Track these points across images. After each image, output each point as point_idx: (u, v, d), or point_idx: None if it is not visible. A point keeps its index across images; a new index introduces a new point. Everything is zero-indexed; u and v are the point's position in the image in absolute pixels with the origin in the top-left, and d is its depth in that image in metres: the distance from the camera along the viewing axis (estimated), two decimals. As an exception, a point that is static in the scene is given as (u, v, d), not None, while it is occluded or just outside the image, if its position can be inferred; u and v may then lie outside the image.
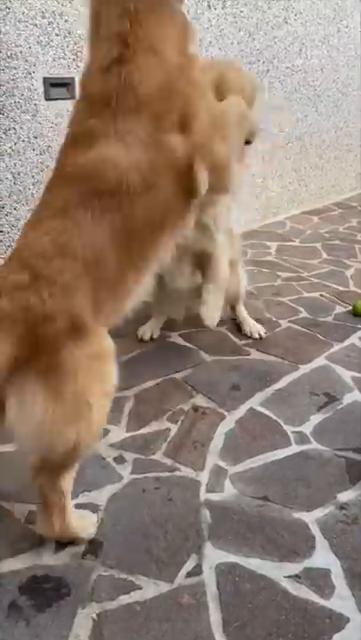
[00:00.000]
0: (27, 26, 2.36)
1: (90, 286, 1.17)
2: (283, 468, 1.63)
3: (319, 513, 1.46)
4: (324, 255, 3.39)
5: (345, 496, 1.52)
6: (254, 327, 2.43)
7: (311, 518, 1.45)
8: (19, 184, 2.54)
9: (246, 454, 1.68)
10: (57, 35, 2.46)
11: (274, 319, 2.57)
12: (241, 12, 3.26)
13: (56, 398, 1.11)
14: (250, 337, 2.39)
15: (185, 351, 2.28)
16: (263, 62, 3.54)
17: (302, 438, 1.76)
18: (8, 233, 2.58)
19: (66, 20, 2.47)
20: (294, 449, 1.72)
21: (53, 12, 2.42)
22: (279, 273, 3.12)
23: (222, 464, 1.64)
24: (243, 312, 2.48)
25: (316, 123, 4.17)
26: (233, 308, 2.46)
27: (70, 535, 1.33)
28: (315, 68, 3.95)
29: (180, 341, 2.36)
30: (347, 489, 1.55)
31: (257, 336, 2.39)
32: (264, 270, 3.16)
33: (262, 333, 2.41)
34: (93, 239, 1.17)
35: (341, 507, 1.49)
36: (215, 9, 3.10)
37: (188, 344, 2.34)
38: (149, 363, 2.18)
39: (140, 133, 1.18)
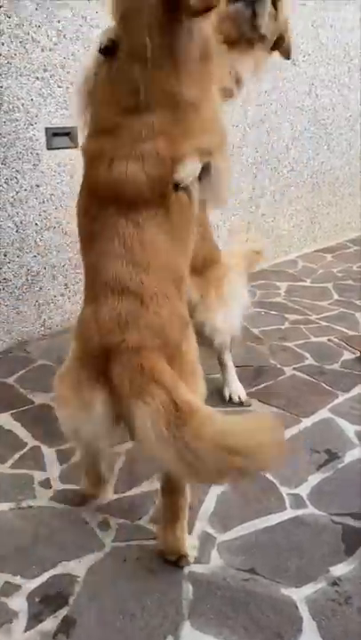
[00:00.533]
0: (28, 79, 2.41)
1: (176, 286, 1.29)
2: (275, 535, 1.55)
3: (309, 589, 1.37)
4: (336, 296, 3.31)
5: (339, 569, 1.43)
6: (235, 388, 2.20)
7: (300, 595, 1.35)
8: (21, 232, 2.56)
9: (237, 520, 1.60)
10: (59, 86, 2.50)
11: (278, 366, 2.49)
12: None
13: None
14: (229, 400, 2.18)
15: (184, 402, 2.22)
16: (272, 103, 3.55)
17: (298, 502, 1.67)
18: (11, 280, 2.59)
19: (68, 72, 2.51)
20: (289, 514, 1.63)
21: (55, 64, 2.47)
22: (287, 315, 3.06)
23: (211, 531, 1.56)
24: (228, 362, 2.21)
25: (329, 160, 4.13)
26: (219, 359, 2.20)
27: (186, 552, 1.42)
28: (325, 107, 3.94)
29: (180, 391, 2.30)
30: (341, 561, 1.45)
31: (236, 399, 2.18)
32: (272, 312, 3.10)
33: (243, 398, 2.19)
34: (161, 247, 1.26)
35: (334, 582, 1.39)
36: (220, 55, 3.13)
37: (187, 394, 2.28)
38: (146, 415, 2.13)
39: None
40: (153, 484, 1.74)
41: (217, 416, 1.16)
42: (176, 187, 1.25)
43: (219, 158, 1.33)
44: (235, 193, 3.45)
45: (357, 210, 4.59)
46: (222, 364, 2.24)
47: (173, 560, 1.42)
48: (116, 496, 1.70)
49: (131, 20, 1.20)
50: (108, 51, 1.25)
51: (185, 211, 1.30)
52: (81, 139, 1.43)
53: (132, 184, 1.22)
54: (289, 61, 3.43)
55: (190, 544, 1.45)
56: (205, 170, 1.31)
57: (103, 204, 1.27)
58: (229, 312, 2.00)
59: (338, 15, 3.77)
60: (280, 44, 1.80)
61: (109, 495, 1.67)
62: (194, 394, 1.22)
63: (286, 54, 1.86)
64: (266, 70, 2.10)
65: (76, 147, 2.63)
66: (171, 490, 1.39)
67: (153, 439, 1.13)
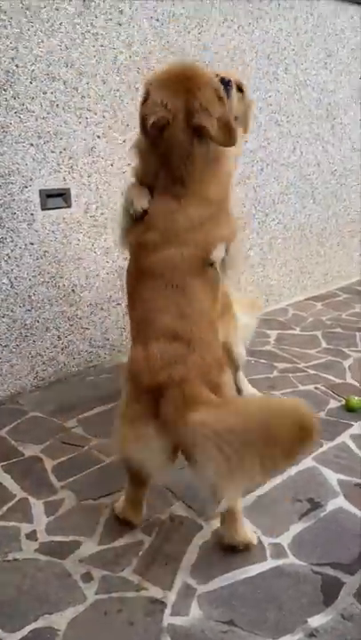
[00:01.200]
0: (23, 146, 2.56)
1: (213, 332, 1.65)
2: (255, 586, 1.57)
3: (287, 641, 1.39)
4: (324, 344, 3.38)
5: (316, 620, 1.45)
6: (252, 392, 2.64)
7: (278, 647, 1.37)
8: (15, 287, 2.67)
9: (218, 571, 1.63)
10: (52, 152, 2.66)
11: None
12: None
13: None
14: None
15: (171, 452, 2.26)
16: (257, 162, 3.72)
17: (279, 552, 1.70)
18: (5, 334, 2.67)
19: (61, 139, 2.68)
20: (269, 564, 1.65)
21: (49, 132, 2.63)
22: (276, 364, 3.12)
23: (192, 582, 1.59)
24: None
25: (316, 213, 4.29)
26: None
27: (250, 540, 1.70)
28: (310, 163, 4.12)
29: (168, 441, 2.35)
30: (320, 612, 1.47)
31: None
32: (261, 361, 3.17)
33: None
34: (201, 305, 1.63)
35: (311, 633, 1.41)
36: (207, 118, 3.32)
37: (175, 444, 2.32)
38: (133, 465, 2.17)
39: None
40: (137, 536, 1.78)
41: None
42: (210, 264, 1.64)
43: (234, 243, 1.72)
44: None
45: (346, 259, 4.72)
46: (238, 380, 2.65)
47: (242, 549, 1.70)
48: (99, 547, 1.73)
49: (172, 158, 1.61)
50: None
51: (214, 279, 1.68)
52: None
53: (180, 262, 1.60)
54: (273, 122, 3.64)
55: (250, 533, 1.73)
56: (226, 251, 1.69)
57: (155, 275, 1.61)
58: (242, 343, 2.49)
59: (319, 78, 4.00)
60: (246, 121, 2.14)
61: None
62: None
63: (244, 128, 2.16)
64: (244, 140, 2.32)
65: (69, 206, 2.78)
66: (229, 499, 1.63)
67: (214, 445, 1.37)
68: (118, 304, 3.10)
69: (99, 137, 2.82)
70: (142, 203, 1.65)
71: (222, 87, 1.69)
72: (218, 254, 1.66)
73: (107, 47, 2.76)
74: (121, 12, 2.78)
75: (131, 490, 1.81)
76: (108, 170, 2.89)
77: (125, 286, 1.78)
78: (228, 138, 1.62)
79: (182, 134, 1.59)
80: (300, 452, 1.41)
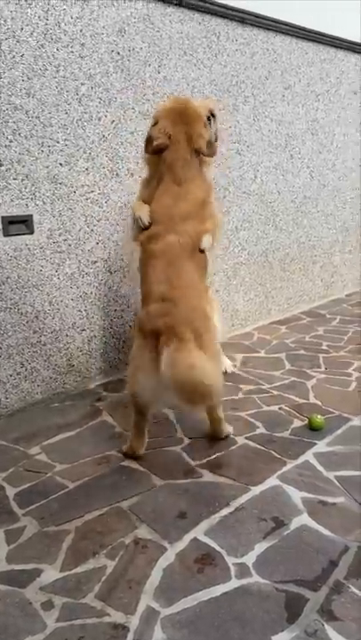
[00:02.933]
0: (-15, 173, 2.58)
1: (199, 297, 2.29)
2: (219, 606, 1.55)
3: (251, 660, 1.38)
4: (288, 366, 3.43)
5: (280, 638, 1.44)
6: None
7: (242, 667, 1.36)
8: (-23, 314, 2.64)
9: (182, 593, 1.61)
10: (14, 179, 2.68)
11: (231, 436, 2.55)
12: (194, 148, 3.57)
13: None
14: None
15: (136, 475, 2.25)
16: (219, 189, 3.81)
17: (243, 571, 1.69)
18: (-34, 361, 2.64)
19: (23, 166, 2.71)
20: (234, 584, 1.64)
21: (11, 159, 2.66)
22: (241, 386, 3.15)
23: (155, 605, 1.56)
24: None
25: (278, 239, 4.40)
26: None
27: (229, 432, 2.54)
28: (270, 191, 4.24)
29: (134, 464, 2.33)
30: (283, 629, 1.47)
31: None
32: (227, 383, 3.18)
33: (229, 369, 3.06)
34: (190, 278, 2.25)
35: (275, 652, 1.40)
36: (168, 147, 3.40)
37: (140, 467, 2.31)
38: (98, 489, 2.14)
39: None
40: (100, 561, 1.75)
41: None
42: (201, 250, 2.31)
43: (215, 233, 2.41)
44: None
45: (308, 284, 4.83)
46: None
47: (223, 438, 2.50)
48: (62, 574, 1.69)
49: (175, 166, 2.35)
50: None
51: (203, 260, 2.36)
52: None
53: (177, 248, 2.23)
54: (233, 151, 3.75)
55: (227, 427, 2.53)
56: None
57: (158, 257, 2.23)
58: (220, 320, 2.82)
59: (276, 110, 4.16)
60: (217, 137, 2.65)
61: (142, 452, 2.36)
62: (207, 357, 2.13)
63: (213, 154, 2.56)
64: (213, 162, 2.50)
65: (31, 233, 2.79)
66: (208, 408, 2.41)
67: (176, 367, 2.03)
68: (83, 330, 3.10)
69: (61, 164, 2.86)
70: (147, 219, 2.32)
71: (207, 118, 2.49)
72: (206, 243, 2.32)
73: (69, 78, 2.82)
74: (83, 45, 2.86)
75: (136, 421, 2.35)
76: (70, 197, 2.93)
77: (139, 270, 2.41)
78: (212, 151, 2.50)
79: (183, 151, 2.36)
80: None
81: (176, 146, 2.35)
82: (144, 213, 2.33)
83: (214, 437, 2.49)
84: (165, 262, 2.21)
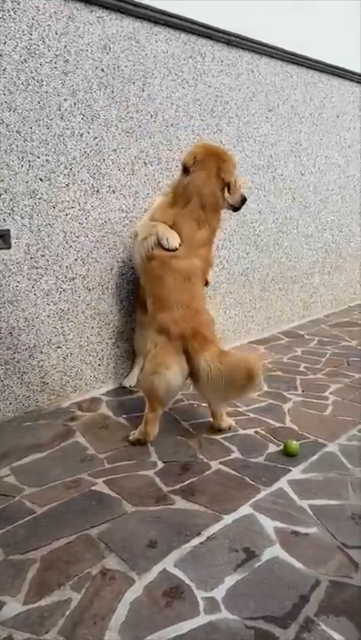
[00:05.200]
0: None
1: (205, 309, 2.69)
2: (186, 644, 1.51)
3: None
4: (265, 387, 3.41)
5: None
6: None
7: None
8: None
9: (149, 629, 1.56)
10: (-8, 194, 2.64)
11: (205, 460, 2.52)
12: (177, 166, 3.56)
13: None
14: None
15: (106, 501, 2.19)
16: (201, 208, 3.80)
17: (212, 606, 1.65)
18: None
19: (2, 180, 2.66)
20: (202, 620, 1.60)
21: (-11, 174, 2.62)
22: (218, 408, 3.11)
23: (120, 643, 1.51)
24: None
25: (258, 259, 4.40)
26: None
27: (231, 425, 2.85)
28: (252, 211, 4.26)
29: (105, 489, 2.28)
30: (252, 670, 1.43)
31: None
32: (203, 405, 3.15)
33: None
34: (199, 291, 2.69)
35: None
36: (151, 165, 3.39)
37: (111, 492, 2.25)
38: (67, 516, 2.09)
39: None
40: (65, 593, 1.69)
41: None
42: (206, 283, 2.80)
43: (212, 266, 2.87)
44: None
45: (288, 304, 4.84)
46: None
47: (227, 429, 2.82)
48: (24, 607, 1.63)
49: (203, 192, 2.60)
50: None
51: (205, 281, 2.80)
52: None
53: (196, 268, 2.62)
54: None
55: (229, 421, 2.85)
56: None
57: (180, 272, 2.58)
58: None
59: (260, 131, 4.18)
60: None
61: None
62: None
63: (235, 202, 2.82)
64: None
65: (8, 247, 2.74)
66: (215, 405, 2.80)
67: (209, 372, 2.42)
68: (59, 347, 3.05)
69: (41, 180, 2.82)
70: (177, 241, 2.57)
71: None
72: (211, 279, 2.88)
73: (51, 94, 2.80)
74: (66, 61, 2.84)
75: (152, 412, 2.60)
76: (49, 212, 2.89)
77: (147, 279, 2.70)
78: (235, 199, 2.77)
79: (212, 180, 2.61)
80: (248, 390, 2.44)
81: (207, 173, 2.59)
82: (174, 237, 2.57)
83: (220, 430, 2.80)
84: (186, 277, 2.58)
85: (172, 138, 3.50)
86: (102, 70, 3.02)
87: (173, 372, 2.49)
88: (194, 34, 3.50)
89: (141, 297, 3.02)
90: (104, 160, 3.11)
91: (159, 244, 2.58)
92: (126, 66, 3.14)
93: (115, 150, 3.15)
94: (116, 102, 3.12)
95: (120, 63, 3.11)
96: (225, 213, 2.85)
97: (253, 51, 3.96)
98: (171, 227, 2.61)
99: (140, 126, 3.28)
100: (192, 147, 2.74)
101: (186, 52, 3.49)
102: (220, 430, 2.80)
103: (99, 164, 3.08)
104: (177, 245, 2.55)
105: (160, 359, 2.50)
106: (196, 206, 2.60)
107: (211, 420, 2.85)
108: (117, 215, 3.23)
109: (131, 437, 2.66)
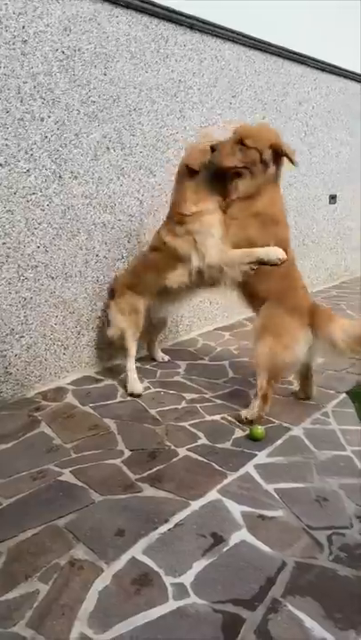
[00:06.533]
0: None
1: None
2: (155, 630, 1.52)
3: None
4: (231, 374, 3.44)
5: (216, 663, 1.42)
6: None
7: None
8: None
9: (118, 617, 1.56)
10: None
11: (172, 447, 2.52)
12: (140, 152, 3.52)
13: None
14: None
15: (74, 491, 2.18)
16: (165, 195, 3.78)
17: (181, 592, 1.66)
18: None
19: None
20: (171, 606, 1.61)
21: None
22: (185, 394, 3.13)
23: (89, 632, 1.51)
24: None
25: (223, 245, 4.40)
26: None
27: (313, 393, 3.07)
28: (217, 197, 4.25)
29: (71, 479, 2.26)
30: (220, 653, 1.45)
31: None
32: (170, 392, 3.16)
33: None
34: None
35: None
36: (114, 150, 3.34)
37: (78, 482, 2.24)
38: (33, 507, 2.07)
39: None
40: (33, 585, 1.68)
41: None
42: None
43: None
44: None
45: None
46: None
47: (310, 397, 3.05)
48: (-9, 601, 1.61)
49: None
50: None
51: None
52: None
53: (291, 257, 2.85)
54: (178, 159, 3.72)
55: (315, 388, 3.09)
56: None
57: (289, 262, 2.79)
58: None
59: (224, 117, 4.17)
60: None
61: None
62: None
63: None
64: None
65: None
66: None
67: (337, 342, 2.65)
68: (22, 336, 3.00)
69: (1, 165, 2.75)
70: (281, 253, 2.65)
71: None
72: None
73: (10, 76, 2.72)
74: (25, 42, 2.76)
75: (271, 388, 2.79)
76: (10, 199, 2.82)
77: (267, 277, 2.77)
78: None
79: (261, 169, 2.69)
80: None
81: (256, 166, 2.74)
82: (275, 251, 2.67)
83: (307, 398, 3.04)
84: (291, 263, 2.85)
85: (135, 123, 3.46)
86: (63, 52, 2.94)
87: (301, 346, 2.68)
88: (156, 17, 3.45)
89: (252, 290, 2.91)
90: (66, 145, 3.05)
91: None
92: (87, 48, 3.07)
93: (77, 135, 3.09)
94: (78, 86, 3.05)
95: (81, 45, 3.03)
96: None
97: (217, 35, 3.93)
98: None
99: (102, 110, 3.22)
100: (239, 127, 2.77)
101: (148, 35, 3.43)
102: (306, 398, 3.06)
103: (60, 148, 3.02)
104: (283, 257, 2.64)
105: (290, 335, 2.68)
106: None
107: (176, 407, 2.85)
108: (80, 201, 3.18)
109: (248, 416, 2.74)
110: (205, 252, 2.78)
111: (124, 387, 3.18)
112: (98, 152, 3.24)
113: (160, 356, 3.72)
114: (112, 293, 3.35)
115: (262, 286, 2.78)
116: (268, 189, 2.76)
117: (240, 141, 2.67)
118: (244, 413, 2.77)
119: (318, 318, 2.72)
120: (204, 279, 2.88)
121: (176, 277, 2.94)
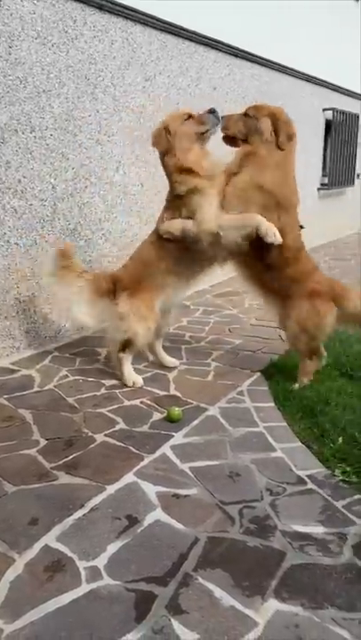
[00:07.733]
0: None
1: None
2: (67, 615, 1.52)
3: (96, 667, 1.36)
4: (151, 358, 3.46)
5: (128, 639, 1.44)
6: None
7: None
8: None
9: (30, 605, 1.55)
10: None
11: (90, 434, 2.51)
12: (51, 135, 3.43)
13: None
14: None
15: (-14, 484, 2.13)
16: (80, 179, 3.72)
17: (94, 574, 1.67)
18: None
19: None
20: (84, 589, 1.61)
21: None
22: (104, 381, 3.12)
23: (0, 622, 1.49)
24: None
25: (142, 231, 4.39)
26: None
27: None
28: (134, 182, 4.23)
29: (-16, 472, 2.21)
30: (131, 629, 1.47)
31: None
32: (90, 379, 3.14)
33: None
34: None
35: (122, 654, 1.40)
36: (23, 133, 3.23)
37: (-9, 474, 2.19)
38: None
39: None
40: None
41: None
42: None
43: None
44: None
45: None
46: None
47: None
48: None
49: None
50: None
51: None
52: None
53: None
54: (93, 141, 3.66)
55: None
56: None
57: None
58: None
59: (137, 101, 4.14)
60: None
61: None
62: None
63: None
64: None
65: None
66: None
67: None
68: None
69: None
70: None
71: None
72: None
73: None
74: None
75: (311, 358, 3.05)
76: None
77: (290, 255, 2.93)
78: None
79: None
80: None
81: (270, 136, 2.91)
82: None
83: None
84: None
85: (45, 105, 3.36)
86: None
87: (332, 319, 2.92)
88: (63, -5, 3.36)
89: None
90: (-30, 127, 2.92)
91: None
92: (-11, 26, 2.95)
93: (-19, 117, 2.97)
94: (-20, 65, 2.93)
95: (-18, 22, 2.91)
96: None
97: (127, 17, 3.88)
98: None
99: (8, 92, 3.11)
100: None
101: (55, 14, 3.34)
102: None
103: (-36, 131, 2.89)
104: (279, 240, 2.71)
105: (323, 312, 2.89)
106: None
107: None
108: (-12, 187, 3.07)
109: (301, 385, 2.96)
110: (202, 217, 2.82)
111: (42, 379, 3.13)
112: (5, 135, 3.13)
113: (170, 360, 3.36)
114: (112, 294, 3.05)
115: (279, 280, 2.93)
116: (271, 162, 2.80)
117: (245, 114, 2.84)
118: (299, 384, 2.98)
119: (339, 292, 2.93)
120: (205, 249, 2.89)
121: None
